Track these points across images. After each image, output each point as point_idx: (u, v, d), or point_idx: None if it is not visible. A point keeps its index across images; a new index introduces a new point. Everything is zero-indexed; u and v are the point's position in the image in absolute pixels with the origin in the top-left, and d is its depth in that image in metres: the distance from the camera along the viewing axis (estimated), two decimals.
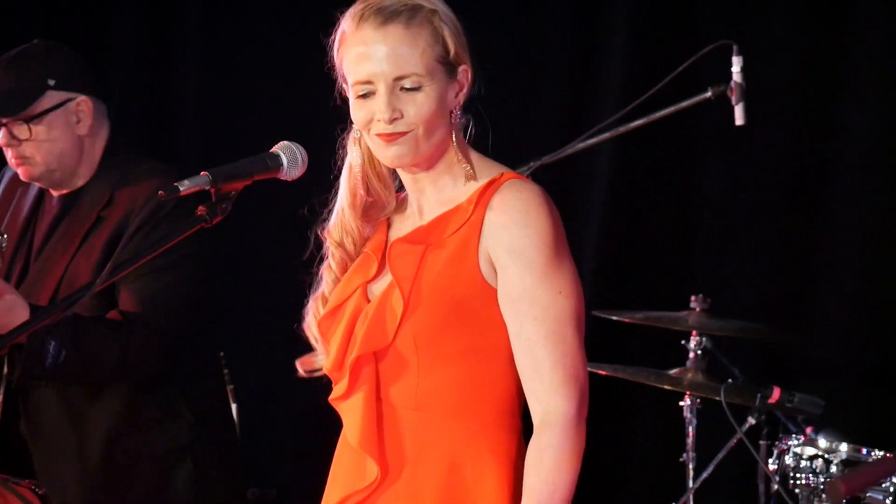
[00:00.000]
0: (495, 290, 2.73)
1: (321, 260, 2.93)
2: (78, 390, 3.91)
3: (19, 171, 3.96)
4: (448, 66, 2.77)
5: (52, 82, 3.92)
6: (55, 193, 4.02)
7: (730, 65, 4.00)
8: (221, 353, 4.58)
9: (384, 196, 2.89)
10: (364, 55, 2.74)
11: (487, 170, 2.81)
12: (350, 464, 2.82)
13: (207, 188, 2.68)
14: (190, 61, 5.78)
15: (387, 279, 2.80)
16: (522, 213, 2.72)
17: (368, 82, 2.74)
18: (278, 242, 5.45)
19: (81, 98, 3.94)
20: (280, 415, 5.53)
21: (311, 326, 2.89)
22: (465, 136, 2.83)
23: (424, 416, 2.77)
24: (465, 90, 2.80)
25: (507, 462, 2.76)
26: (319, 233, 2.93)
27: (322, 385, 2.93)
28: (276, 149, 2.79)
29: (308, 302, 2.92)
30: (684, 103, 4.03)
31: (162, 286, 3.81)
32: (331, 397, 2.83)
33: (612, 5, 5.14)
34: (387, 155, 2.78)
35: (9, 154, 3.94)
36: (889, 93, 4.79)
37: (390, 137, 2.75)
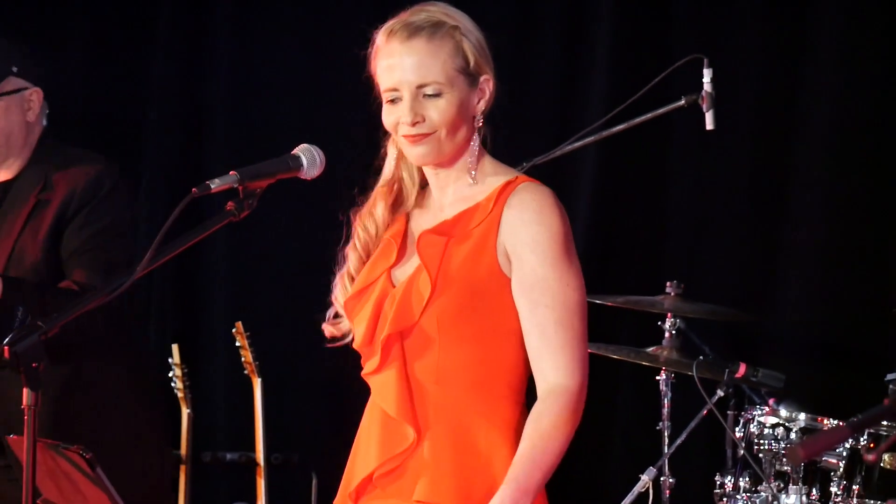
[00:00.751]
0: (509, 280, 2.87)
1: (345, 242, 3.04)
2: None
3: None
4: (469, 76, 2.92)
5: (15, 69, 4.03)
6: None
7: (701, 76, 4.08)
8: (249, 333, 4.83)
9: (407, 192, 3.03)
10: (392, 66, 2.90)
11: (504, 172, 2.97)
12: (383, 432, 2.91)
13: (235, 185, 2.79)
14: (221, 78, 5.88)
15: (410, 265, 2.94)
16: (538, 213, 2.86)
17: (395, 89, 2.90)
18: (299, 222, 5.45)
19: (35, 89, 4.06)
20: (301, 385, 5.60)
21: (338, 299, 3.01)
22: (484, 143, 2.97)
23: (443, 389, 2.88)
24: (486, 97, 2.95)
25: (513, 432, 2.88)
26: (352, 214, 3.05)
27: (339, 358, 3.07)
28: (296, 151, 2.91)
29: (335, 279, 3.03)
30: (661, 110, 4.12)
31: (109, 258, 3.86)
32: (363, 372, 2.95)
33: (597, 23, 5.27)
34: (412, 154, 2.93)
35: None
36: (841, 99, 4.98)
37: (414, 139, 2.90)
